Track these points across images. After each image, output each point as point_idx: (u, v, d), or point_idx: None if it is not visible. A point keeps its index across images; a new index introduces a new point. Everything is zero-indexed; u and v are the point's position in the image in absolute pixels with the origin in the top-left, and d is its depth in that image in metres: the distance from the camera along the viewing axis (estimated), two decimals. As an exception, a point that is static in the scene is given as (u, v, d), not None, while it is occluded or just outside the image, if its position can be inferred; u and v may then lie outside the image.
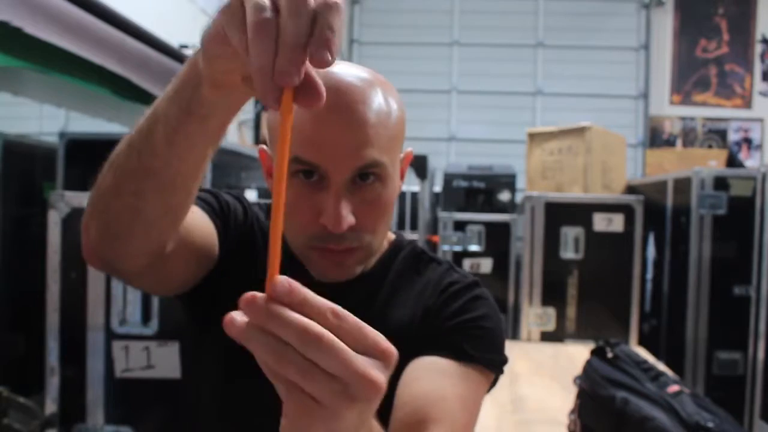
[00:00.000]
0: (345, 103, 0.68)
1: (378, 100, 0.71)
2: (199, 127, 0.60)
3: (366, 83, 0.71)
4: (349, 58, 5.71)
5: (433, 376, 0.73)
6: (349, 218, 0.70)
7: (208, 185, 2.16)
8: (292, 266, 0.70)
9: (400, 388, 0.72)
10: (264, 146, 0.81)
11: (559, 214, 2.98)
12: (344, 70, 0.71)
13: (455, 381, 0.74)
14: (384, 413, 0.59)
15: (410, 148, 0.83)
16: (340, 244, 0.72)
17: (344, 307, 0.45)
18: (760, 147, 5.59)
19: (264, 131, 0.86)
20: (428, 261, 0.88)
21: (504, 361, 0.80)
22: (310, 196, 0.70)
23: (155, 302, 1.79)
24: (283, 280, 0.42)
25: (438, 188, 4.17)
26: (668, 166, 3.89)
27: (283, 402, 0.43)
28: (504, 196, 3.85)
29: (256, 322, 0.41)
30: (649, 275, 3.20)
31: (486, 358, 0.77)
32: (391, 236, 0.89)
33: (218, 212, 0.82)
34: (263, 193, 2.85)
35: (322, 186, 0.70)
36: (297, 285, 0.42)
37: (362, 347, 0.42)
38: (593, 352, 1.68)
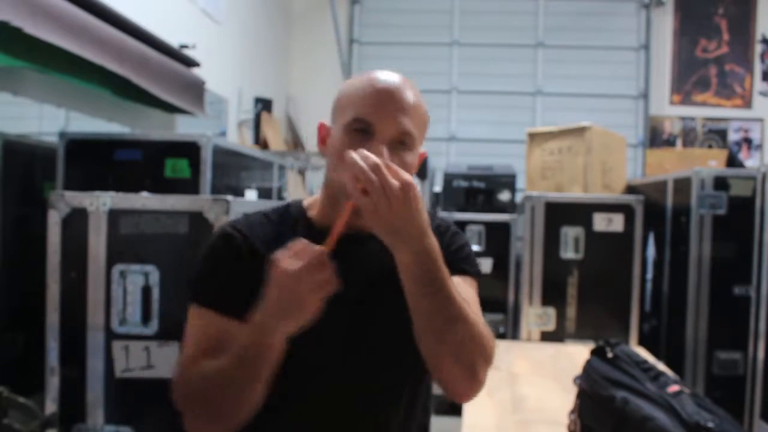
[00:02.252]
0: (396, 87, 0.99)
1: (414, 92, 1.03)
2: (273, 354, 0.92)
3: (407, 81, 1.03)
4: (349, 58, 5.71)
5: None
6: (387, 159, 0.91)
7: (208, 186, 2.16)
8: (315, 234, 0.96)
9: None
10: (324, 122, 1.07)
11: (559, 214, 2.98)
12: (393, 73, 1.03)
13: (467, 289, 1.06)
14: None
15: (425, 150, 1.07)
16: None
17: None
18: (760, 147, 5.59)
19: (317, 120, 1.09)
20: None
21: (480, 269, 1.15)
22: (360, 144, 0.94)
23: (155, 302, 1.79)
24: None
25: (438, 188, 4.18)
26: (668, 166, 3.89)
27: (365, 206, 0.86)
28: (504, 196, 3.85)
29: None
30: (649, 275, 3.20)
31: (476, 271, 1.11)
32: None
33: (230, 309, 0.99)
34: (263, 193, 2.86)
35: (369, 141, 0.96)
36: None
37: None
38: (593, 352, 1.68)
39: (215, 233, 1.05)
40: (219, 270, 1.02)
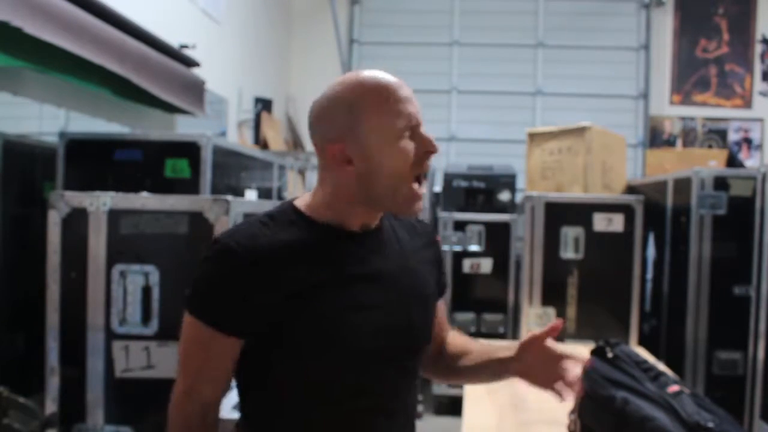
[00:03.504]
0: (401, 82, 1.03)
1: None
2: None
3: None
4: (349, 58, 5.71)
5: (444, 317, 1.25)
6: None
7: (208, 186, 2.16)
8: (325, 230, 1.02)
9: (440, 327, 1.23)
10: (331, 145, 1.04)
11: (559, 214, 2.98)
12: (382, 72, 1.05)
13: (442, 310, 1.24)
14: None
15: None
16: (427, 165, 1.04)
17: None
18: (760, 147, 5.59)
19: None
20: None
21: None
22: (420, 141, 1.02)
23: (155, 302, 1.79)
24: None
25: (438, 188, 4.17)
26: (668, 166, 3.89)
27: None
28: (504, 196, 3.85)
29: None
30: (649, 275, 3.20)
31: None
32: None
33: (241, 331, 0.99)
34: (263, 193, 2.86)
35: (415, 134, 1.02)
36: None
37: None
38: (593, 352, 1.67)
39: (217, 248, 0.98)
40: (226, 287, 0.97)
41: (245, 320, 0.96)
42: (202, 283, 0.99)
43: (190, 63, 2.91)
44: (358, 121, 1.00)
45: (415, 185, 1.02)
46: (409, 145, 1.01)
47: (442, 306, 1.23)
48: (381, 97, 1.01)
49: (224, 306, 0.97)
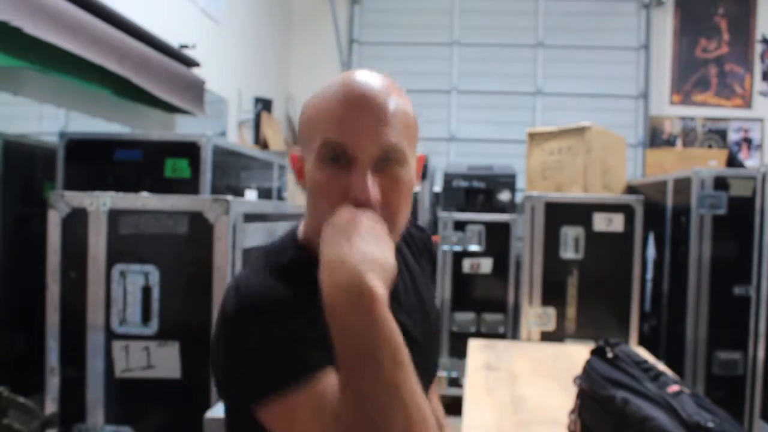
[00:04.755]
0: (368, 93, 0.80)
1: (396, 95, 0.83)
2: None
3: (385, 82, 0.83)
4: (349, 58, 5.71)
5: None
6: (375, 191, 0.79)
7: (208, 186, 2.16)
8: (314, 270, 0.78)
9: None
10: (296, 151, 0.89)
11: (559, 214, 2.97)
12: (366, 73, 0.84)
13: None
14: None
15: (422, 153, 0.93)
16: None
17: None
18: (760, 147, 5.59)
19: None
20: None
21: None
22: (340, 177, 0.79)
23: (155, 302, 1.79)
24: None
25: (438, 188, 4.17)
26: (668, 166, 3.89)
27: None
28: (504, 196, 3.85)
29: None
30: (649, 275, 3.20)
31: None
32: None
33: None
34: (263, 194, 2.85)
35: (350, 167, 0.79)
36: None
37: None
38: (593, 352, 1.67)
39: (237, 306, 0.79)
40: (279, 335, 0.76)
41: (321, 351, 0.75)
42: (254, 353, 0.76)
43: (190, 63, 2.91)
44: (300, 135, 0.87)
45: None
46: (328, 178, 0.79)
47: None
48: (323, 100, 0.82)
49: (297, 345, 0.75)
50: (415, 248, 1.07)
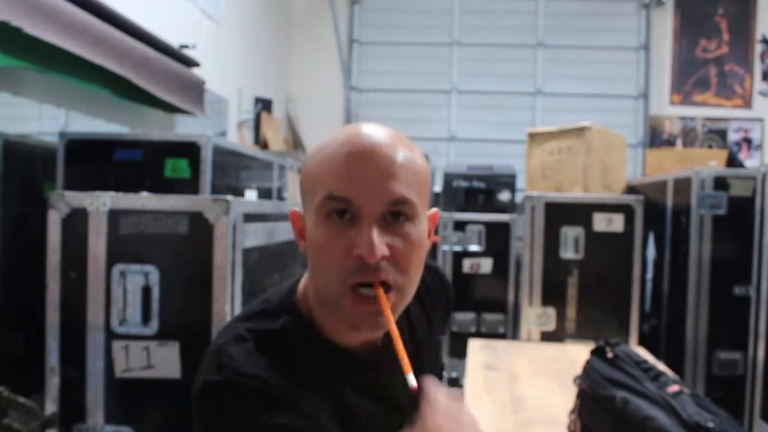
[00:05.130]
0: (375, 146, 0.76)
1: (404, 147, 0.78)
2: None
3: (393, 134, 0.79)
4: (349, 58, 5.71)
5: None
6: (382, 247, 0.73)
7: (208, 186, 2.16)
8: (335, 358, 0.81)
9: None
10: (296, 209, 0.84)
11: (559, 214, 2.97)
12: (372, 126, 0.80)
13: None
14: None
15: (436, 209, 0.86)
16: (375, 275, 0.74)
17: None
18: (760, 147, 5.59)
19: (290, 188, 0.88)
20: None
21: None
22: (345, 233, 0.75)
23: (155, 302, 1.79)
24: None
25: (438, 188, 4.17)
26: (668, 166, 3.89)
27: None
28: (504, 196, 3.85)
29: None
30: (649, 275, 3.20)
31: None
32: None
33: None
34: (263, 194, 2.86)
35: (355, 223, 0.74)
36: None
37: None
38: (593, 352, 1.68)
39: (217, 385, 0.74)
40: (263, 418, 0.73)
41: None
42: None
43: (190, 63, 2.92)
44: (302, 191, 0.81)
45: (351, 299, 0.75)
46: (331, 234, 0.75)
47: None
48: (326, 154, 0.77)
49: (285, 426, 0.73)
50: (426, 298, 0.96)
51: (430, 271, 0.96)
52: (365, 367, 0.83)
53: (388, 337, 0.78)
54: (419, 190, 0.78)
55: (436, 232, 3.73)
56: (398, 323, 0.78)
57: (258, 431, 0.72)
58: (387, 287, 0.75)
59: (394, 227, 0.76)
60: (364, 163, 0.75)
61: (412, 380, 0.71)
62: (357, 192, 0.74)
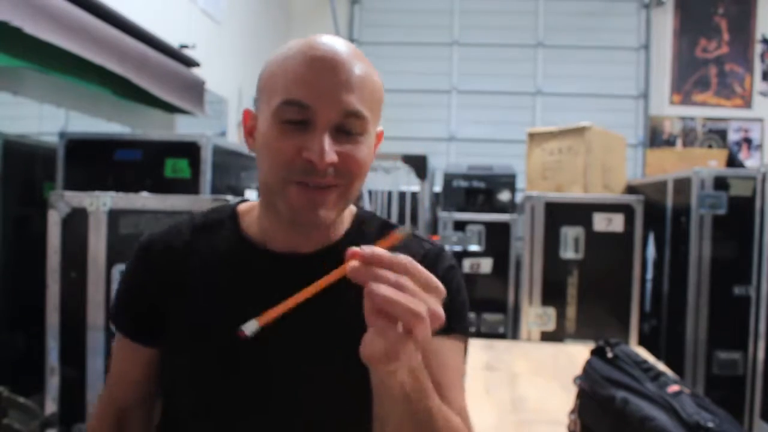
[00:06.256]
0: (335, 56, 0.77)
1: (362, 62, 0.81)
2: None
3: (352, 48, 0.81)
4: (349, 58, 5.71)
5: (434, 358, 0.80)
6: (332, 154, 0.76)
7: (208, 186, 2.16)
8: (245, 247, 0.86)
9: None
10: (249, 108, 0.86)
11: (559, 214, 2.98)
12: (333, 37, 0.81)
13: (449, 356, 0.84)
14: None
15: (381, 128, 0.88)
16: (321, 180, 0.77)
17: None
18: (760, 147, 5.59)
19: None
20: (393, 229, 0.89)
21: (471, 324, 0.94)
22: (296, 136, 0.76)
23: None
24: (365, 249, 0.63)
25: (438, 188, 4.17)
26: (668, 166, 3.89)
27: (372, 342, 0.63)
28: (504, 196, 3.85)
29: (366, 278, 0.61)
30: (649, 275, 3.20)
31: (464, 327, 0.87)
32: (353, 209, 0.93)
33: (139, 334, 0.91)
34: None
35: (308, 129, 0.76)
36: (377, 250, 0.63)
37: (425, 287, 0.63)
38: (593, 352, 1.68)
39: (135, 246, 0.91)
40: (132, 290, 0.91)
41: (150, 326, 0.87)
42: (118, 285, 0.95)
43: (190, 63, 2.91)
44: (258, 90, 0.84)
45: (297, 189, 0.77)
46: (283, 135, 0.77)
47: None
48: (286, 58, 0.79)
49: (129, 311, 0.91)
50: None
51: (445, 268, 0.88)
52: (276, 266, 0.84)
53: (311, 269, 0.71)
54: (372, 106, 0.80)
55: (435, 232, 3.74)
56: (342, 244, 0.83)
57: (125, 284, 0.92)
58: (330, 189, 0.78)
59: (346, 139, 0.78)
60: (323, 71, 0.76)
61: (250, 325, 0.64)
62: (314, 98, 0.76)
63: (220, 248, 0.87)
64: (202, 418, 0.84)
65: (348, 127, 0.77)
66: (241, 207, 0.92)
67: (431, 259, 0.87)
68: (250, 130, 0.84)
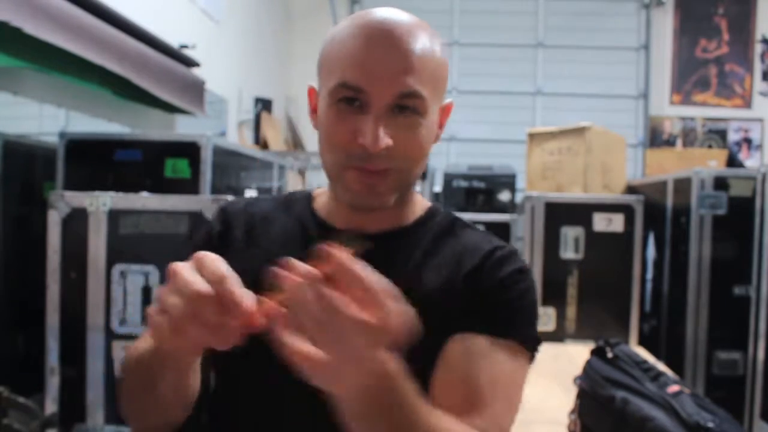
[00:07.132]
0: (392, 33, 0.75)
1: (424, 37, 0.77)
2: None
3: (415, 21, 0.79)
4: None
5: (476, 361, 0.76)
6: (385, 139, 0.74)
7: (208, 186, 2.16)
8: (325, 229, 0.84)
9: (443, 369, 0.76)
10: (313, 85, 0.86)
11: (559, 214, 2.97)
12: (395, 11, 0.79)
13: (500, 361, 0.77)
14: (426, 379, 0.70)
15: (451, 101, 0.86)
16: (376, 165, 0.76)
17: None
18: (760, 147, 5.59)
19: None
20: (464, 226, 0.92)
21: (540, 339, 0.83)
22: (351, 119, 0.75)
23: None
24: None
25: (438, 188, 4.17)
26: (668, 166, 3.89)
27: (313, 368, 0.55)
28: (504, 196, 3.84)
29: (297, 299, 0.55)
30: (649, 275, 3.20)
31: (522, 336, 0.80)
32: (427, 203, 0.93)
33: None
34: (263, 194, 2.85)
35: (363, 111, 0.75)
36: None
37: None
38: (593, 352, 1.68)
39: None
40: (203, 237, 0.90)
41: None
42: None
43: (190, 63, 2.91)
44: (319, 68, 0.82)
45: (354, 173, 0.77)
46: (338, 118, 0.77)
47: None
48: (344, 36, 0.77)
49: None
50: (461, 249, 0.85)
51: (509, 272, 0.82)
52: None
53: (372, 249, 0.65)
54: (433, 83, 0.78)
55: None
56: (408, 231, 0.84)
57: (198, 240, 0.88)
58: (385, 172, 0.77)
59: (402, 119, 0.76)
60: (379, 51, 0.74)
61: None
62: (368, 81, 0.74)
63: (290, 222, 0.88)
64: (256, 387, 0.83)
65: (405, 108, 0.76)
66: (317, 190, 0.94)
67: (496, 259, 0.83)
68: (314, 107, 0.85)
